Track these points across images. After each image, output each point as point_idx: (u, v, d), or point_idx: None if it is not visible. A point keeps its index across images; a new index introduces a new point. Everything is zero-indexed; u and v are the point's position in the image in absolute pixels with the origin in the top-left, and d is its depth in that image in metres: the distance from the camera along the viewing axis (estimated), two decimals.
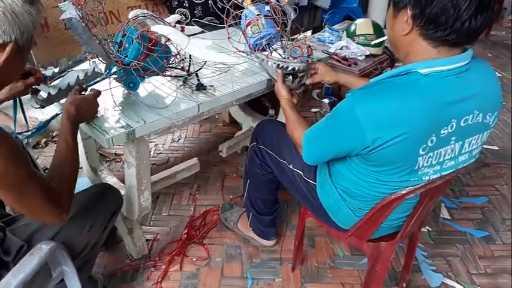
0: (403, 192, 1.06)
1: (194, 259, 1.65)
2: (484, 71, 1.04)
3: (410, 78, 0.97)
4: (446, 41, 0.94)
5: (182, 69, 1.50)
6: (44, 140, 2.37)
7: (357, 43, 2.22)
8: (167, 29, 1.39)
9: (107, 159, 2.24)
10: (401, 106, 0.94)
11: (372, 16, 4.15)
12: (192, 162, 1.91)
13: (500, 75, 3.48)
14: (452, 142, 1.01)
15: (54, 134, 2.38)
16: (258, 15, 1.71)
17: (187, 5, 2.49)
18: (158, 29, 1.39)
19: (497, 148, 2.49)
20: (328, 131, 1.10)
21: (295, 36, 2.48)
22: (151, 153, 2.32)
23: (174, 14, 2.59)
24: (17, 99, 1.27)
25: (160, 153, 2.33)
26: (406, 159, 0.99)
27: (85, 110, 1.16)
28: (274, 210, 1.65)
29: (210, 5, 2.42)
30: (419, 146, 0.97)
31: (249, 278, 1.58)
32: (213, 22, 2.32)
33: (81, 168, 1.86)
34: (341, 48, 2.25)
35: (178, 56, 1.48)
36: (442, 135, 0.98)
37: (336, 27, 2.68)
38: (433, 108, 0.94)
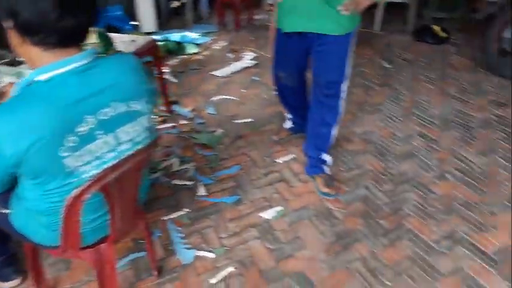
0: (73, 195, 1.07)
1: None
2: (118, 64, 1.12)
3: (34, 87, 0.99)
4: (51, 44, 0.98)
5: None
6: None
7: None
8: None
9: None
10: (25, 117, 0.95)
11: (143, 23, 4.16)
12: None
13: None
14: (101, 136, 1.06)
15: None
16: None
17: None
18: None
19: (252, 120, 2.80)
20: None
21: None
22: None
23: None
24: None
25: None
26: (50, 165, 1.00)
27: None
28: (4, 251, 1.51)
29: None
30: (57, 149, 0.98)
31: None
32: None
33: None
34: None
35: None
36: (81, 133, 1.01)
37: None
38: (57, 110, 0.97)
